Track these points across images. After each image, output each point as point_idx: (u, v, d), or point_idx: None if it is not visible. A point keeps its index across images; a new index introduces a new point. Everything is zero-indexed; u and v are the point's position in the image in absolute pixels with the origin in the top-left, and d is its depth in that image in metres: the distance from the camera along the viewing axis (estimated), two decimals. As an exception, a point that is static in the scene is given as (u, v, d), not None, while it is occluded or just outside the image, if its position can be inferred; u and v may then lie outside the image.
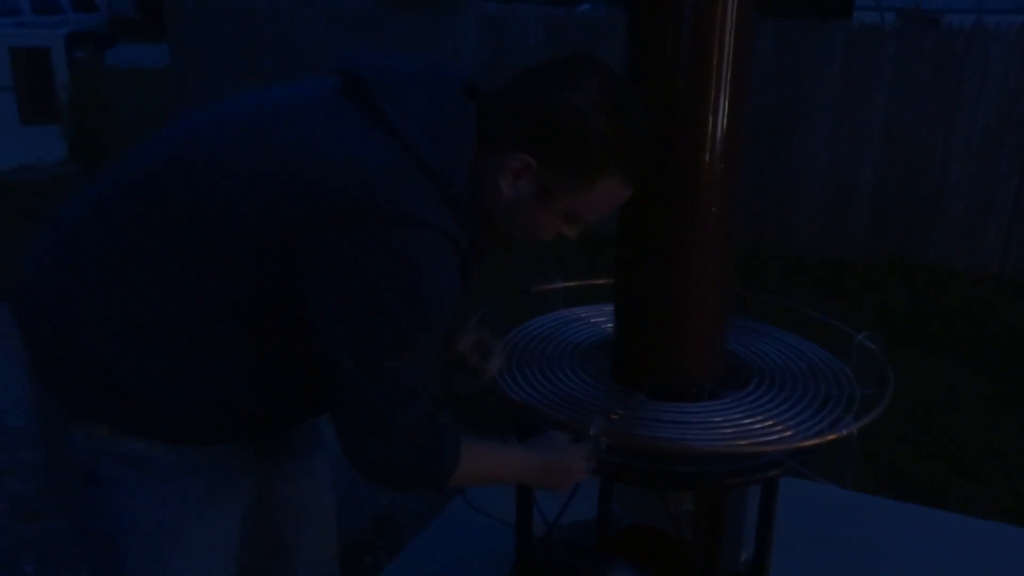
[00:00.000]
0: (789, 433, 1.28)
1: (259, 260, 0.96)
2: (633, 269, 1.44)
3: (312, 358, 0.99)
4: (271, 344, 1.02)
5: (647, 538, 1.68)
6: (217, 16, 7.37)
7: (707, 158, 1.32)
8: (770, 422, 1.31)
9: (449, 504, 2.40)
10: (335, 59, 1.07)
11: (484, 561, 2.04)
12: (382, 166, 0.96)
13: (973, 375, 3.71)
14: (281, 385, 1.07)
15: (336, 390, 1.00)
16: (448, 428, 1.10)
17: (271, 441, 1.26)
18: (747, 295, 1.82)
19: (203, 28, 7.43)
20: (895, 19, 10.88)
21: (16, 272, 1.07)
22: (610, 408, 1.34)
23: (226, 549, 1.16)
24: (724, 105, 1.30)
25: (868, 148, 5.26)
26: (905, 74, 5.09)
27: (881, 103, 5.17)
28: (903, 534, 2.35)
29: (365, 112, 1.01)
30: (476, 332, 1.35)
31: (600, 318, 1.74)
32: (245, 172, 0.97)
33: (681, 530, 1.59)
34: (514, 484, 1.52)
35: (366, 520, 2.43)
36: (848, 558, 2.21)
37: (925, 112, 5.10)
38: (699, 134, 1.31)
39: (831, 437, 1.27)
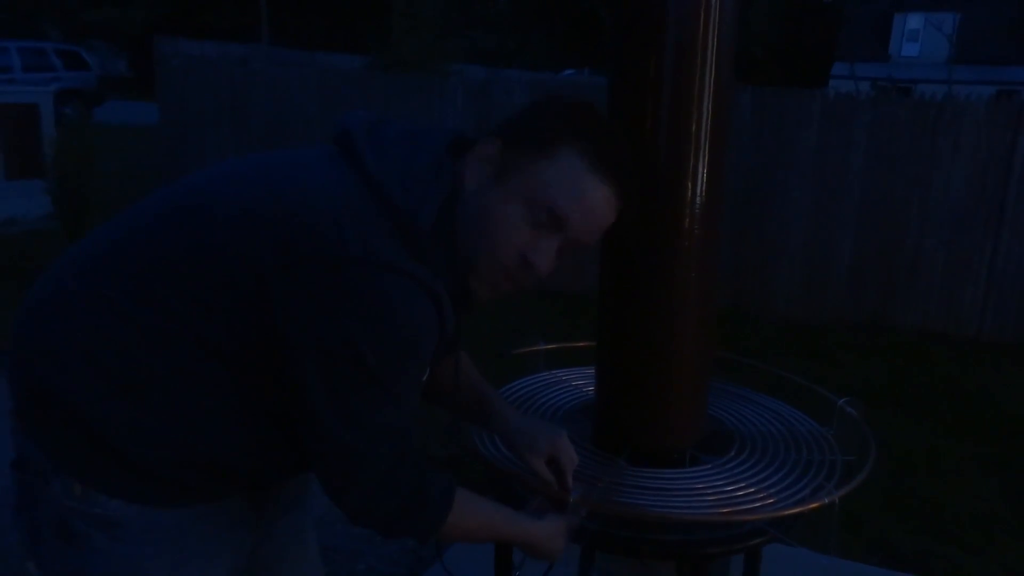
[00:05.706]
0: (771, 501, 1.27)
1: (236, 306, 0.97)
2: (614, 334, 1.44)
3: (289, 404, 0.99)
4: (252, 392, 1.01)
5: (629, 608, 1.63)
6: (209, 76, 7.48)
7: (687, 224, 1.33)
8: (752, 489, 1.30)
9: (426, 572, 2.34)
10: (325, 122, 1.08)
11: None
12: (350, 212, 0.97)
13: (953, 438, 3.71)
14: (262, 436, 1.05)
15: (313, 438, 1.00)
16: (441, 479, 1.09)
17: (258, 504, 1.22)
18: (729, 358, 1.83)
19: (194, 88, 7.53)
20: (869, 88, 11.23)
21: (6, 327, 1.07)
22: (591, 474, 1.32)
23: None
24: (703, 171, 1.32)
25: (845, 214, 5.36)
26: (880, 142, 5.23)
27: (857, 170, 5.29)
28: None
29: (346, 161, 1.03)
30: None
31: (581, 381, 1.73)
32: (222, 220, 0.99)
33: (663, 600, 1.55)
34: (495, 547, 1.49)
35: (341, 587, 2.37)
36: (834, 628, 2.17)
37: (900, 179, 5.22)
38: (678, 200, 1.32)
39: (813, 505, 1.25)
